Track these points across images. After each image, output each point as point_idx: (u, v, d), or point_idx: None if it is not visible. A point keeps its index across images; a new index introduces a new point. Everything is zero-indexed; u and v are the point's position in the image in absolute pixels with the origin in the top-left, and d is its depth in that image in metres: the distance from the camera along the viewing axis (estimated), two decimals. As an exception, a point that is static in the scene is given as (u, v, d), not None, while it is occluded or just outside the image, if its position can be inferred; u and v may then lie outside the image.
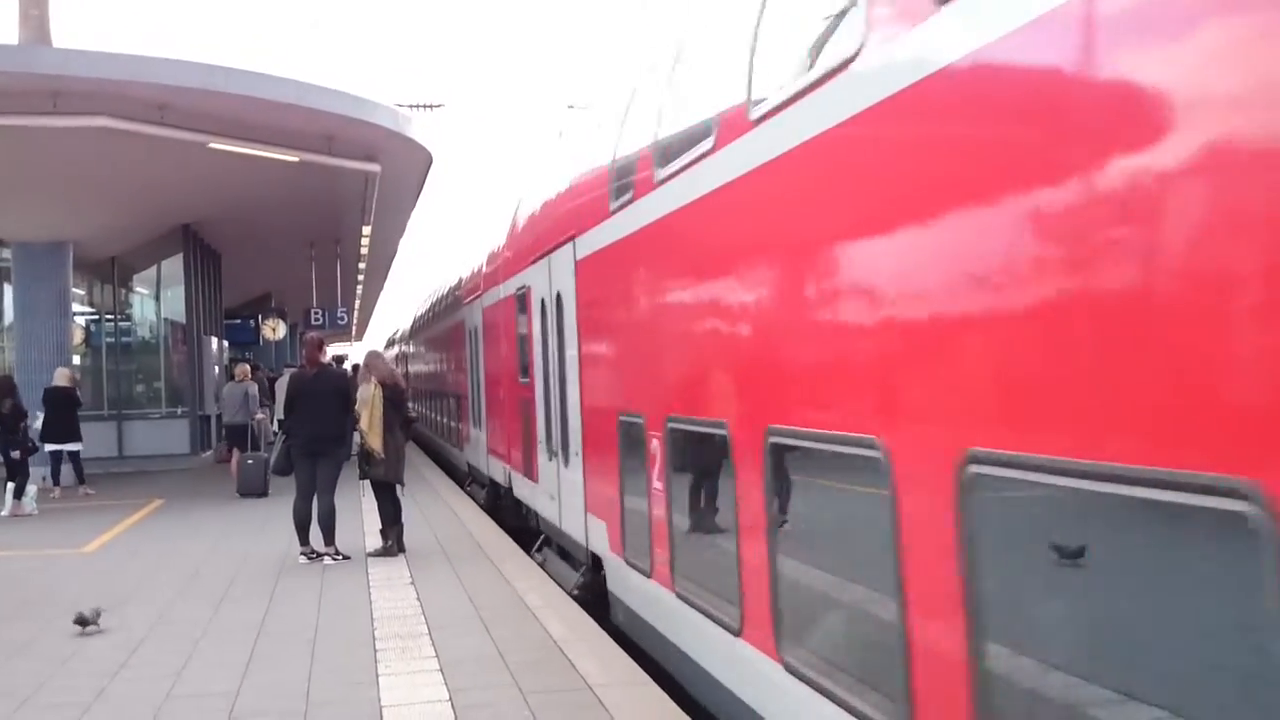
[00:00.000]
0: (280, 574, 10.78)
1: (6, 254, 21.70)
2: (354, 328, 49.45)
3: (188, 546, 12.72)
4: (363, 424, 11.63)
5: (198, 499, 17.69)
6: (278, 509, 12.17)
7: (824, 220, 4.92)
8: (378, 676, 7.07)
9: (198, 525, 14.53)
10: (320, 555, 11.39)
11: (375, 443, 11.53)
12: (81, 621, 8.48)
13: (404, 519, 11.92)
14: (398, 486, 11.86)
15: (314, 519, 11.48)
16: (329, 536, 11.46)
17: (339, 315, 30.69)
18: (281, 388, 14.63)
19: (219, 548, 12.46)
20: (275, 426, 18.47)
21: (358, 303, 42.92)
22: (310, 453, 11.57)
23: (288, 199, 21.17)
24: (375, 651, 7.69)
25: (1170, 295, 2.90)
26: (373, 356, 12.61)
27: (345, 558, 11.37)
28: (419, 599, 9.39)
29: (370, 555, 11.55)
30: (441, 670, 7.15)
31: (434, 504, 15.84)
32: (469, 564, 11.05)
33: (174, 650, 7.94)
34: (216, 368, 26.97)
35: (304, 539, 11.48)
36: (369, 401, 11.57)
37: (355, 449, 12.02)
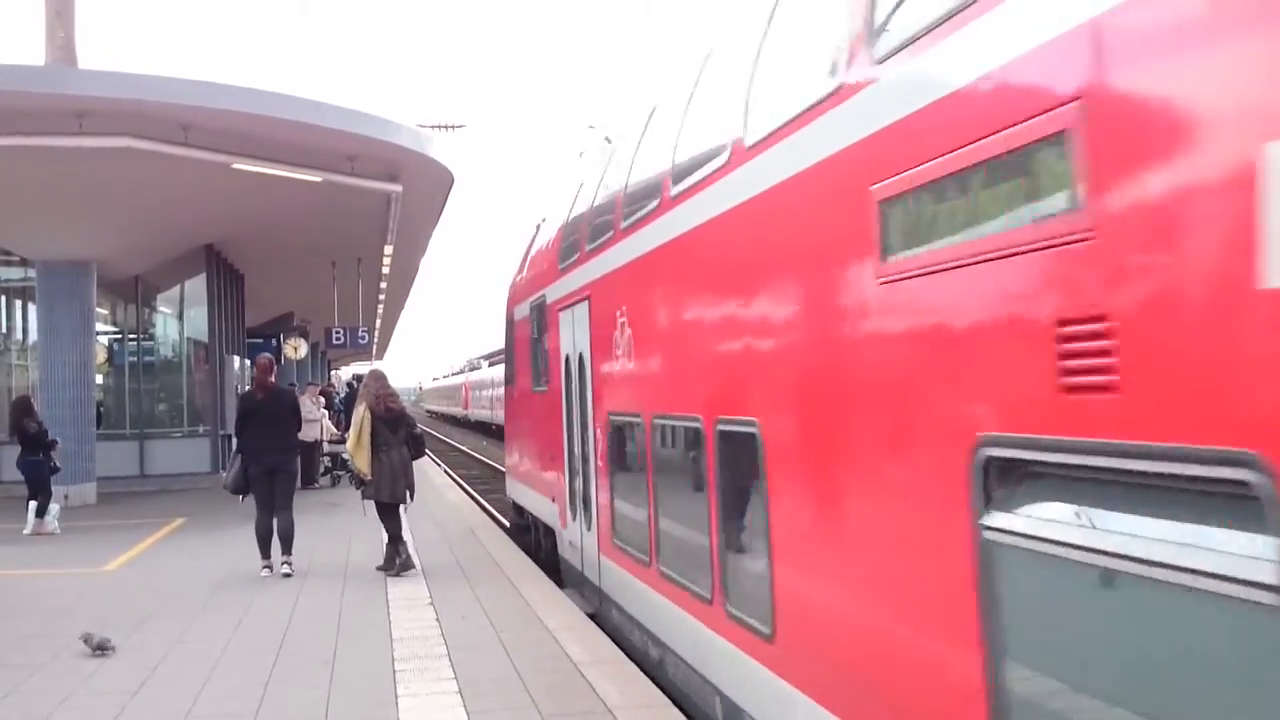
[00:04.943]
0: (300, 593, 10.78)
1: (31, 273, 21.86)
2: (374, 347, 49.61)
3: (208, 565, 12.73)
4: (349, 446, 11.88)
5: (219, 518, 17.68)
6: (298, 528, 12.18)
7: None
8: (397, 698, 7.05)
9: (218, 544, 14.53)
10: (283, 564, 11.76)
11: (362, 464, 11.72)
12: (92, 644, 8.50)
13: (408, 536, 12.01)
14: (400, 505, 12.00)
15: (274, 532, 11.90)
16: (286, 547, 11.87)
17: (360, 334, 30.78)
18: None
19: (239, 566, 12.46)
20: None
21: (379, 322, 43.07)
22: (268, 470, 11.91)
23: (310, 219, 21.28)
24: (395, 672, 7.67)
25: None
26: (369, 378, 12.72)
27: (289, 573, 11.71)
28: (438, 620, 9.36)
29: (379, 569, 11.69)
30: (461, 692, 7.13)
31: (452, 522, 15.81)
32: (488, 584, 11.03)
33: (193, 669, 7.94)
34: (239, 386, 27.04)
35: (265, 552, 11.85)
36: (357, 425, 11.79)
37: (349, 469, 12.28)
